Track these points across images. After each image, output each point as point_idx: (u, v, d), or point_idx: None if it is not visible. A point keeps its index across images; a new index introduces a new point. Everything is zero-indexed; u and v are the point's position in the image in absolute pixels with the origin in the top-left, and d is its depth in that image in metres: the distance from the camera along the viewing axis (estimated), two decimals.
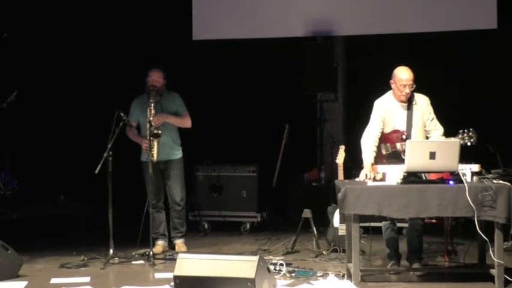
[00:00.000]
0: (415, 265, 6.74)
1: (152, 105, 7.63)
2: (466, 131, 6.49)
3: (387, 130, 6.78)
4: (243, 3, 10.00)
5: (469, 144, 6.45)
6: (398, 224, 7.07)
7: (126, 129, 7.72)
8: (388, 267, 6.82)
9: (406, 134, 6.68)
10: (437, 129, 6.75)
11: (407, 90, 6.67)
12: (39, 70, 10.48)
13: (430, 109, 6.78)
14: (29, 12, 10.47)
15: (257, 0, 9.97)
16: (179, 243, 8.00)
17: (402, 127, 6.73)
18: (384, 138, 6.76)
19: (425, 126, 6.76)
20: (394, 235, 6.86)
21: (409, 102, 6.75)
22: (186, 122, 7.93)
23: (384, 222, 6.84)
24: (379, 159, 6.73)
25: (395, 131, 6.74)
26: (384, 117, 6.77)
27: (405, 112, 6.75)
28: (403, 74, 6.69)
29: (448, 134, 6.71)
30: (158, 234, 7.91)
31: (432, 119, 6.76)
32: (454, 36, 9.44)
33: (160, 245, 7.91)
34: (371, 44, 10.00)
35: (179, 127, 7.96)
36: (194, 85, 9.12)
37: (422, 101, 6.78)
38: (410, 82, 6.67)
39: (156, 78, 7.80)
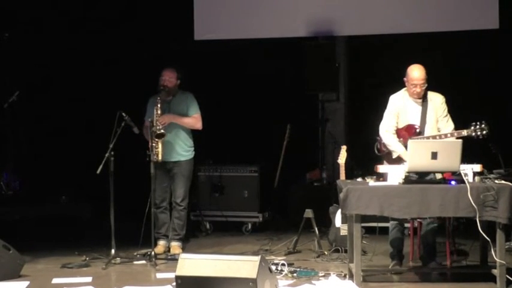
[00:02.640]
0: (432, 265, 6.76)
1: (159, 105, 7.62)
2: (478, 123, 6.49)
3: (400, 125, 6.81)
4: (245, 3, 10.00)
5: (480, 137, 6.46)
6: None
7: (143, 127, 7.70)
8: (390, 267, 6.82)
9: (420, 129, 6.69)
10: (447, 126, 6.74)
11: (418, 89, 6.69)
12: (40, 70, 10.49)
13: (444, 107, 6.79)
14: (30, 11, 10.48)
15: (259, 0, 9.97)
16: (175, 245, 7.90)
17: (416, 122, 6.75)
18: (397, 134, 6.78)
19: (437, 123, 6.76)
20: (400, 235, 6.87)
21: (424, 98, 6.76)
22: (195, 124, 7.87)
23: (391, 222, 6.84)
24: (390, 155, 6.74)
25: (409, 126, 6.76)
26: (398, 113, 6.80)
27: (419, 108, 6.77)
28: (414, 73, 6.72)
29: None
30: (160, 235, 7.88)
31: (445, 116, 6.77)
32: (456, 37, 9.43)
33: (162, 244, 7.89)
34: (373, 44, 10.00)
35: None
36: (195, 85, 9.07)
37: (437, 99, 6.80)
38: (421, 82, 6.68)
39: (167, 78, 7.77)
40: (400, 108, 6.81)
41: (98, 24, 10.51)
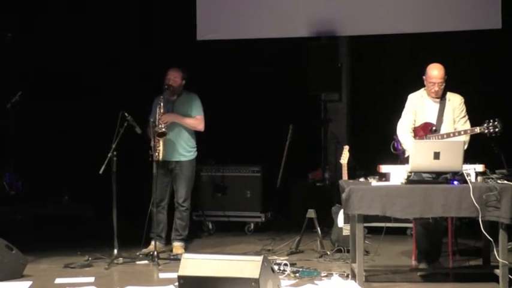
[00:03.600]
0: (435, 265, 6.73)
1: (161, 104, 7.64)
2: (491, 120, 6.49)
3: (418, 124, 6.82)
4: (247, 3, 10.00)
5: (493, 134, 6.46)
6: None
7: (148, 126, 7.72)
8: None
9: (436, 127, 6.68)
10: (464, 128, 6.70)
11: (436, 88, 6.69)
12: (43, 70, 10.50)
13: (463, 107, 6.78)
14: (31, 12, 10.49)
15: (261, 0, 9.97)
16: (177, 245, 7.89)
17: (433, 121, 6.74)
18: (414, 132, 6.79)
19: (454, 123, 6.76)
20: (423, 235, 6.77)
21: (442, 98, 6.76)
22: (197, 125, 7.87)
23: (415, 221, 6.83)
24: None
25: (426, 124, 6.76)
26: (416, 111, 6.80)
27: (437, 106, 6.77)
28: (432, 72, 6.72)
29: None
30: (154, 234, 7.81)
31: (463, 117, 6.76)
32: (457, 36, 9.42)
33: (153, 244, 7.78)
34: (375, 44, 9.99)
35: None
36: (197, 85, 9.12)
37: (455, 99, 6.79)
38: (439, 80, 6.68)
39: (172, 77, 7.79)
40: (417, 106, 6.80)
41: (99, 24, 10.51)
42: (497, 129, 6.47)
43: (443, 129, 6.70)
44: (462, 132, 6.58)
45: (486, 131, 6.48)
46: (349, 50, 10.26)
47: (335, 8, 9.73)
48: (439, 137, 6.61)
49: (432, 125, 6.72)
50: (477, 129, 6.54)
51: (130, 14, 10.50)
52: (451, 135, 6.59)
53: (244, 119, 10.35)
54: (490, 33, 9.25)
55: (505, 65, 9.54)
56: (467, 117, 6.78)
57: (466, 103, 6.82)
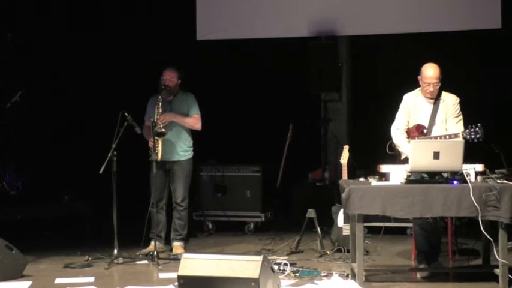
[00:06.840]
0: (434, 264, 6.72)
1: (160, 103, 7.65)
2: (473, 126, 6.47)
3: (411, 125, 6.80)
4: (247, 3, 10.01)
5: (475, 140, 6.43)
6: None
7: (143, 127, 7.72)
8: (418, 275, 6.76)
9: (427, 129, 6.67)
10: (455, 128, 6.66)
11: (432, 88, 6.66)
12: (43, 70, 10.50)
13: (456, 108, 6.74)
14: (32, 12, 10.49)
15: (261, 0, 9.98)
16: (177, 245, 7.89)
17: (426, 122, 6.73)
18: (407, 133, 6.79)
19: (446, 123, 6.73)
20: (422, 236, 6.73)
21: (437, 99, 6.73)
22: (195, 124, 7.89)
23: (413, 222, 6.81)
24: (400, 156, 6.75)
25: (418, 126, 6.74)
26: (410, 111, 6.78)
27: (431, 107, 6.74)
28: (427, 72, 6.68)
29: None
30: (154, 235, 7.80)
31: (455, 117, 6.71)
32: (457, 36, 9.43)
33: (152, 244, 7.79)
34: (375, 44, 10.00)
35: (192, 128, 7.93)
36: (198, 85, 9.18)
37: (450, 99, 6.75)
38: (435, 80, 6.64)
39: (168, 77, 7.79)
40: (411, 107, 6.79)
41: (100, 24, 10.52)
42: (478, 135, 6.42)
43: (435, 132, 6.67)
44: (447, 137, 6.54)
45: (468, 136, 6.44)
46: (349, 50, 10.27)
47: (335, 8, 9.74)
48: (426, 139, 6.58)
49: (423, 127, 6.71)
50: (459, 135, 6.51)
51: (130, 14, 10.50)
52: (438, 138, 6.55)
53: (244, 118, 10.36)
54: (490, 33, 9.25)
55: (504, 64, 9.53)
56: (460, 117, 6.74)
57: (464, 104, 6.79)
